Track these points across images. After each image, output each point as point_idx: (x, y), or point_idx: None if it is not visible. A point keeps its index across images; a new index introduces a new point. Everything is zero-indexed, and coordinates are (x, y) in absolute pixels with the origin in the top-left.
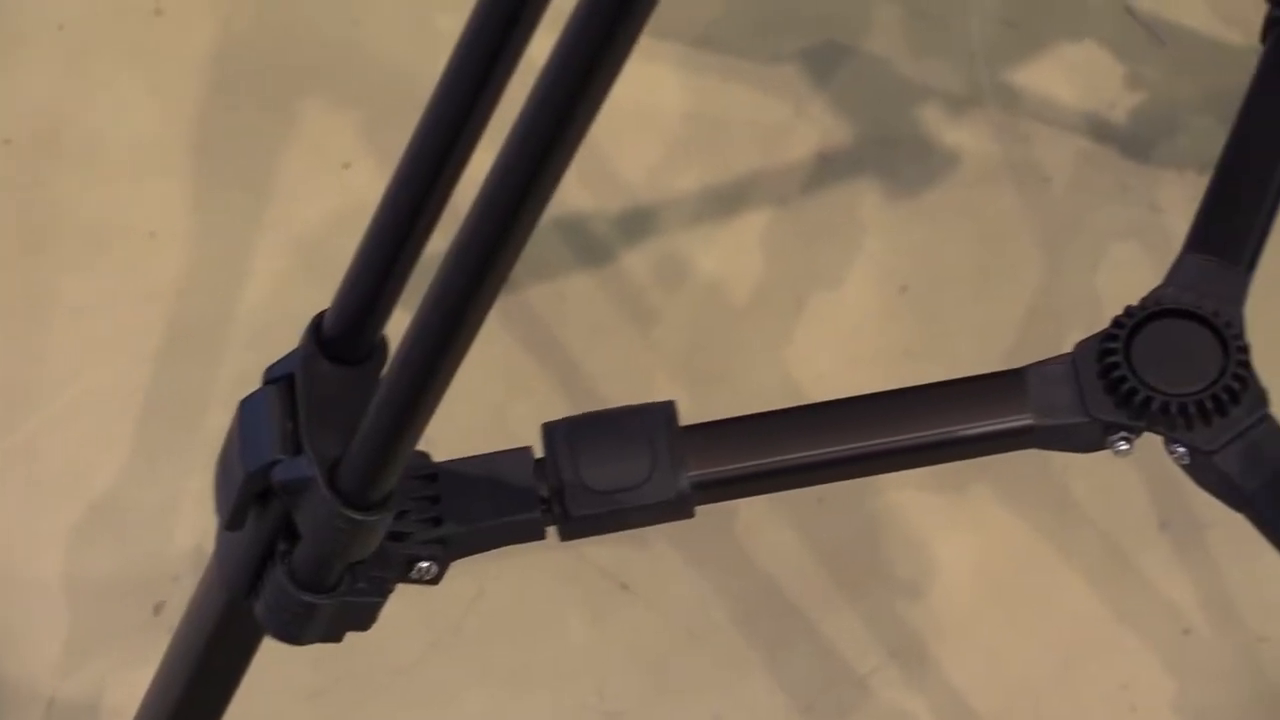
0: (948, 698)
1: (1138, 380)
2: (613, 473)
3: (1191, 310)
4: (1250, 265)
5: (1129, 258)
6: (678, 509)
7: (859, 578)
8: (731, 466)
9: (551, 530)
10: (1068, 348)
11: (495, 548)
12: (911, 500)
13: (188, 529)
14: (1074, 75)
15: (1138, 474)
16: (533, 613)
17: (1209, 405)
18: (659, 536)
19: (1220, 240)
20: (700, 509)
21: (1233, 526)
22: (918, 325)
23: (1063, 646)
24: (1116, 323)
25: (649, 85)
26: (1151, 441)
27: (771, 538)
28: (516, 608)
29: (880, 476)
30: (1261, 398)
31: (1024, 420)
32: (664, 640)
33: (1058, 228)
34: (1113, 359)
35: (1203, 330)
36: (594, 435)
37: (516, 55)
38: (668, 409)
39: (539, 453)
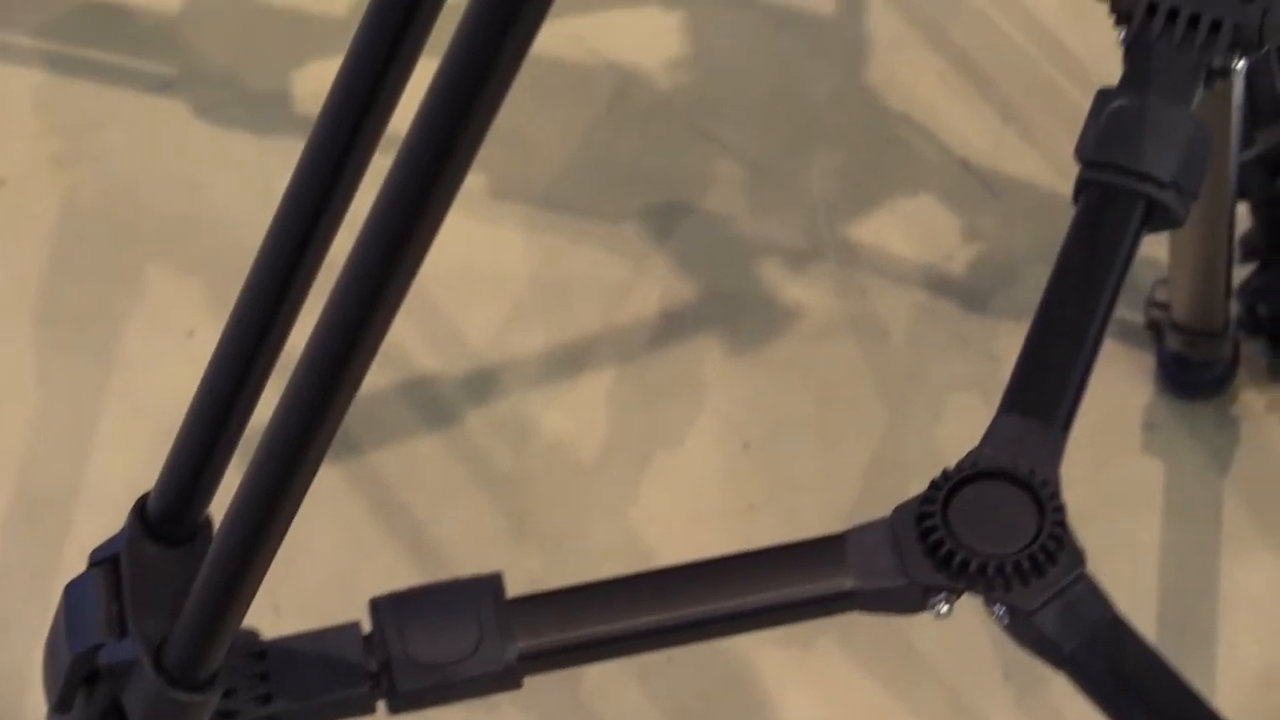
0: None
1: (955, 542)
2: (440, 646)
3: (1007, 472)
4: (1065, 425)
5: (969, 408)
6: (505, 681)
7: None
8: (557, 637)
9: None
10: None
11: None
12: (759, 655)
13: (37, 699)
14: (912, 228)
15: (980, 625)
16: None
17: (1026, 566)
18: (507, 701)
19: (1036, 400)
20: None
21: None
22: (762, 480)
23: None
24: (934, 485)
25: (494, 247)
26: None
27: (619, 697)
28: None
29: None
30: (1078, 557)
31: (845, 584)
32: None
33: (898, 380)
34: (930, 522)
35: (1019, 491)
36: (421, 609)
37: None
38: (494, 581)
39: (368, 627)
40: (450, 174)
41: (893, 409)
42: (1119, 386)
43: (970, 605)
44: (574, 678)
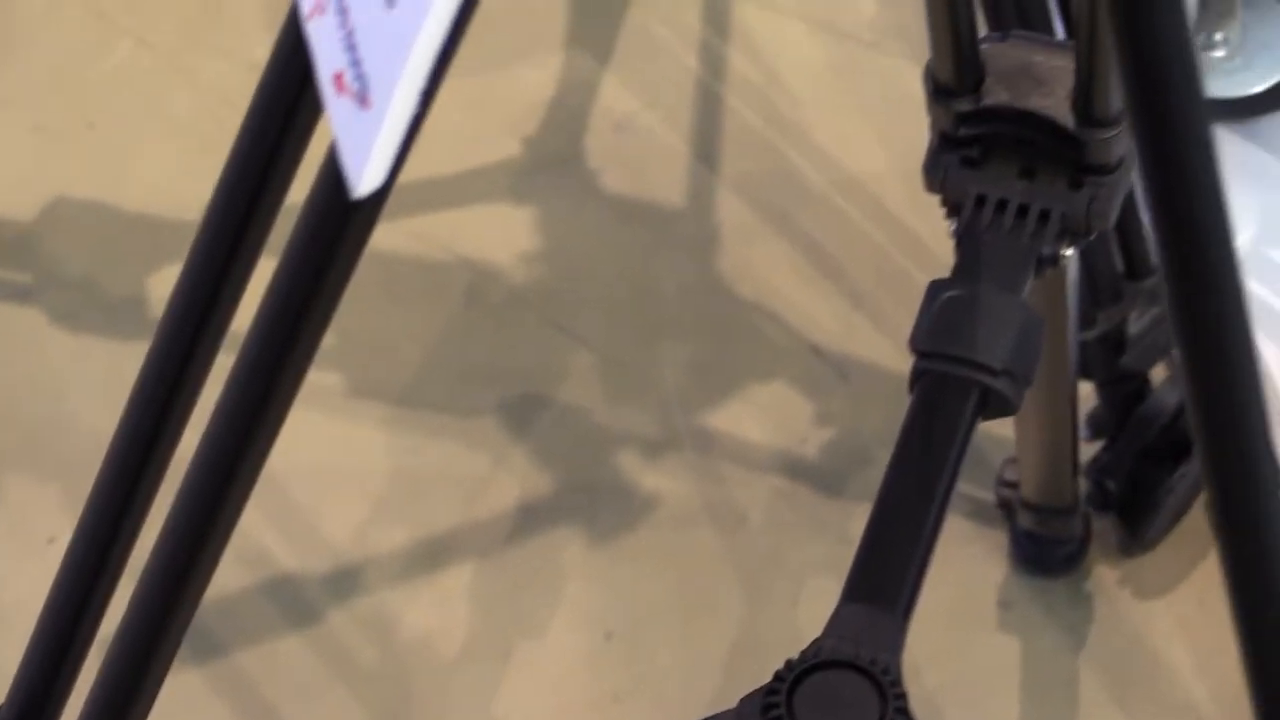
0: None
1: None
2: None
3: (850, 661)
4: (906, 612)
5: (827, 591)
6: None
7: None
8: None
9: None
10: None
11: None
12: None
13: None
14: (766, 415)
15: None
16: None
17: None
18: None
19: (877, 589)
20: None
21: None
22: (625, 669)
23: None
24: (778, 676)
25: (353, 446)
26: None
27: None
28: None
29: None
30: None
31: None
32: None
33: (757, 565)
34: (775, 713)
35: (862, 680)
36: None
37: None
38: None
39: None
40: (290, 369)
41: (752, 594)
42: (973, 565)
43: None
44: None
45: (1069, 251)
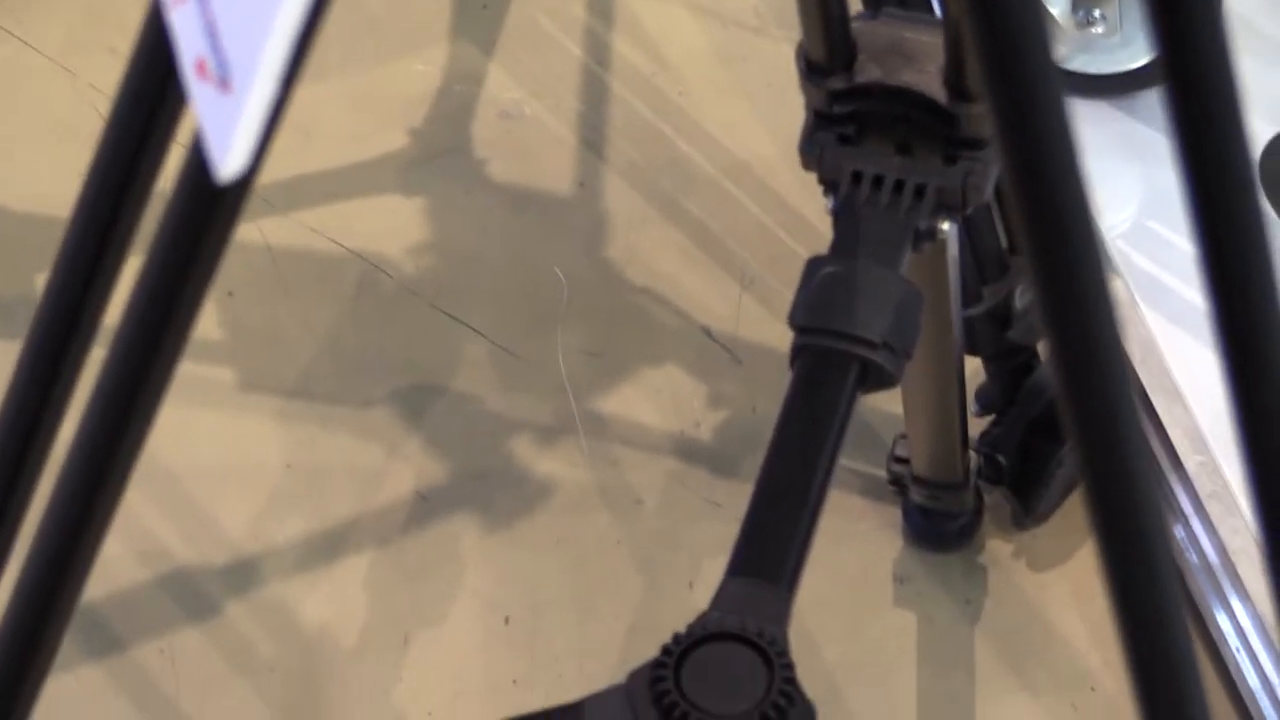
0: None
1: (688, 704)
2: None
3: (736, 633)
4: (791, 585)
5: (722, 571)
6: None
7: None
8: None
9: None
10: None
11: None
12: None
13: None
14: (659, 399)
15: None
16: None
17: None
18: None
19: (761, 563)
20: None
21: None
22: (523, 654)
23: None
24: (665, 650)
25: (247, 439)
26: None
27: None
28: None
29: None
30: (809, 713)
31: None
32: None
33: (652, 547)
34: (663, 685)
35: (748, 651)
36: None
37: (55, 422)
38: None
39: None
40: (163, 357)
41: (648, 576)
42: (868, 542)
43: None
44: None
45: (946, 226)
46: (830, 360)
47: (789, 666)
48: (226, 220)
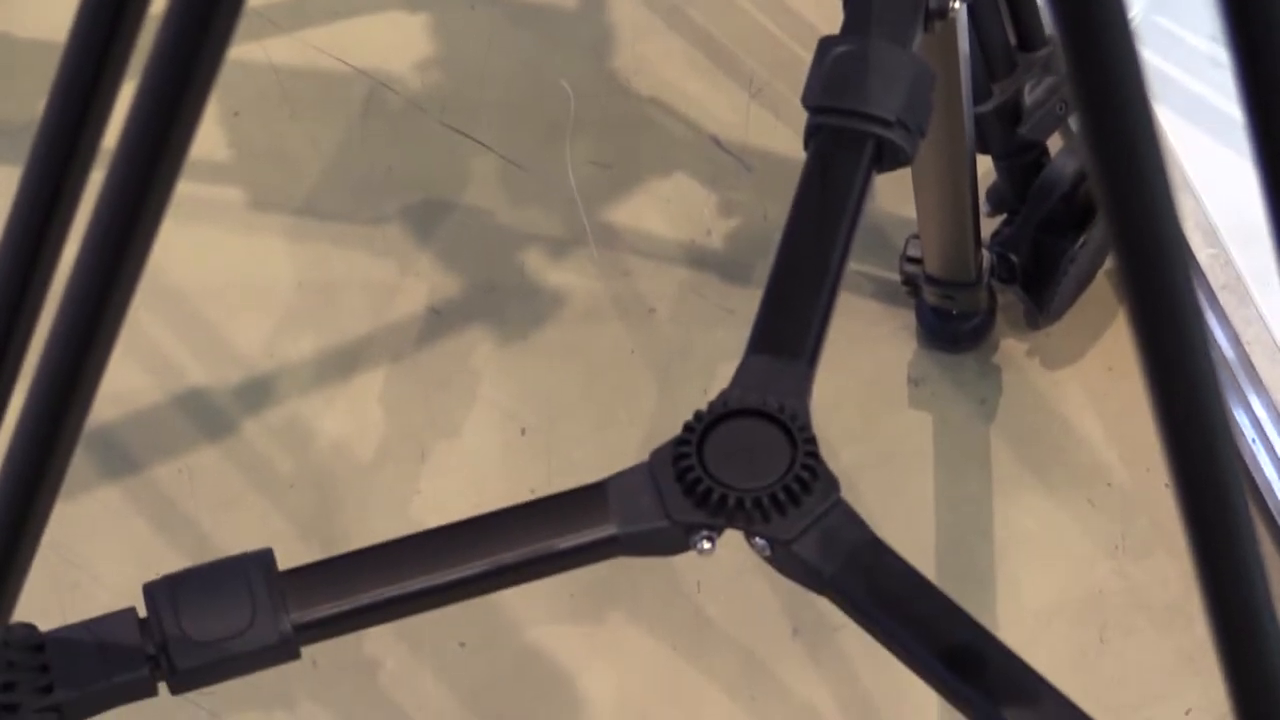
0: None
1: (712, 480)
2: (216, 624)
3: (758, 409)
4: (811, 360)
5: None
6: (282, 652)
7: (507, 717)
8: (331, 606)
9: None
10: None
11: (110, 708)
12: (551, 635)
13: None
14: (669, 208)
15: (766, 585)
16: None
17: (782, 497)
18: (306, 698)
19: (781, 339)
20: (346, 663)
21: (861, 628)
22: (541, 464)
23: None
24: (687, 427)
25: (258, 258)
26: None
27: (416, 686)
28: None
29: (518, 614)
30: (833, 485)
31: (608, 530)
32: None
33: (666, 355)
34: (686, 462)
35: (770, 426)
36: (195, 589)
37: (58, 244)
38: (265, 556)
39: (143, 612)
40: (162, 174)
41: (663, 383)
42: (883, 345)
43: (748, 563)
44: (369, 671)
45: (957, 4)
46: (845, 139)
47: (811, 440)
48: (222, 31)
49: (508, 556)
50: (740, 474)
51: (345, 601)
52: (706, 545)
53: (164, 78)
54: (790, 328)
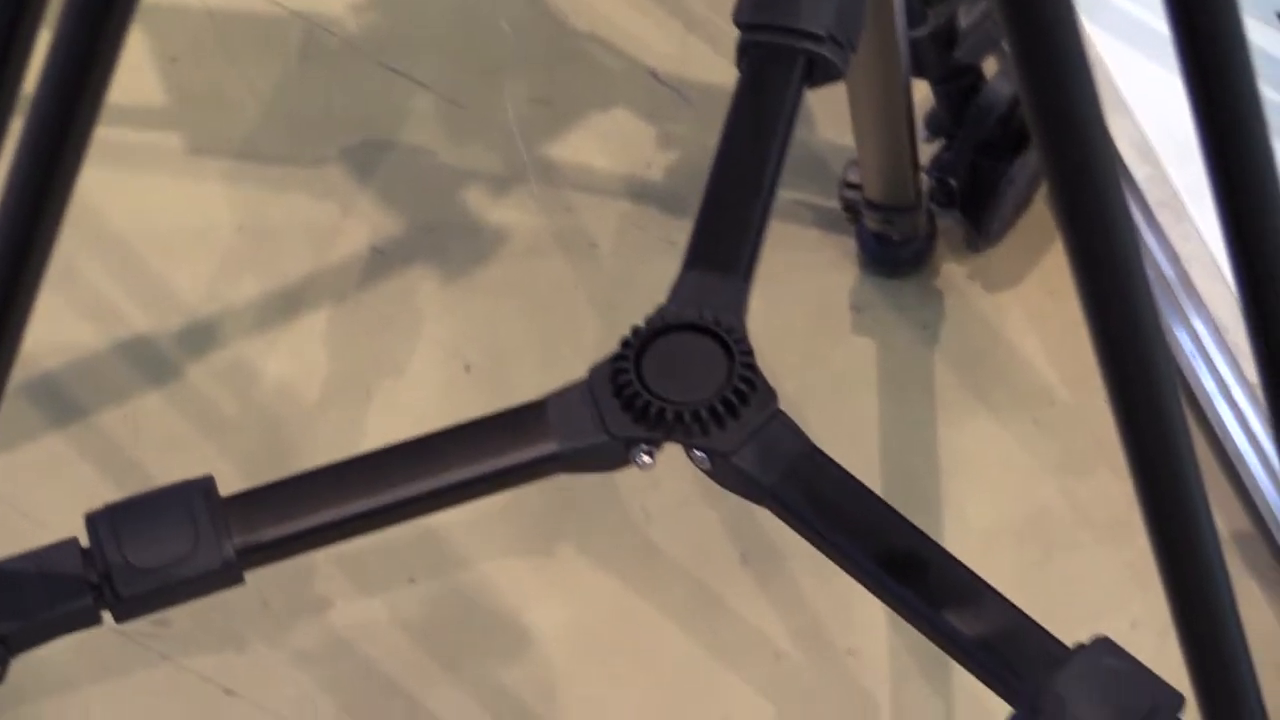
0: None
1: (650, 394)
2: (158, 551)
3: (694, 323)
4: (747, 275)
5: None
6: (225, 577)
7: (458, 652)
8: (273, 530)
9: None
10: None
11: (54, 638)
12: (500, 569)
13: None
14: (609, 142)
15: (714, 513)
16: None
17: (720, 409)
18: (257, 638)
19: (716, 255)
20: (296, 603)
21: (809, 551)
22: (486, 399)
23: (663, 690)
24: (625, 343)
25: (197, 203)
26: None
27: (367, 623)
28: None
29: (467, 549)
30: (771, 397)
31: (549, 448)
32: None
33: (609, 288)
34: (624, 378)
35: (707, 340)
36: (136, 517)
37: None
38: (206, 483)
39: (86, 542)
40: (80, 120)
41: (606, 317)
42: (824, 272)
43: (695, 493)
44: (319, 609)
45: None
46: (777, 56)
47: (748, 353)
48: None
49: (450, 476)
50: (678, 388)
51: (287, 525)
52: (646, 459)
53: (81, 21)
54: (725, 243)
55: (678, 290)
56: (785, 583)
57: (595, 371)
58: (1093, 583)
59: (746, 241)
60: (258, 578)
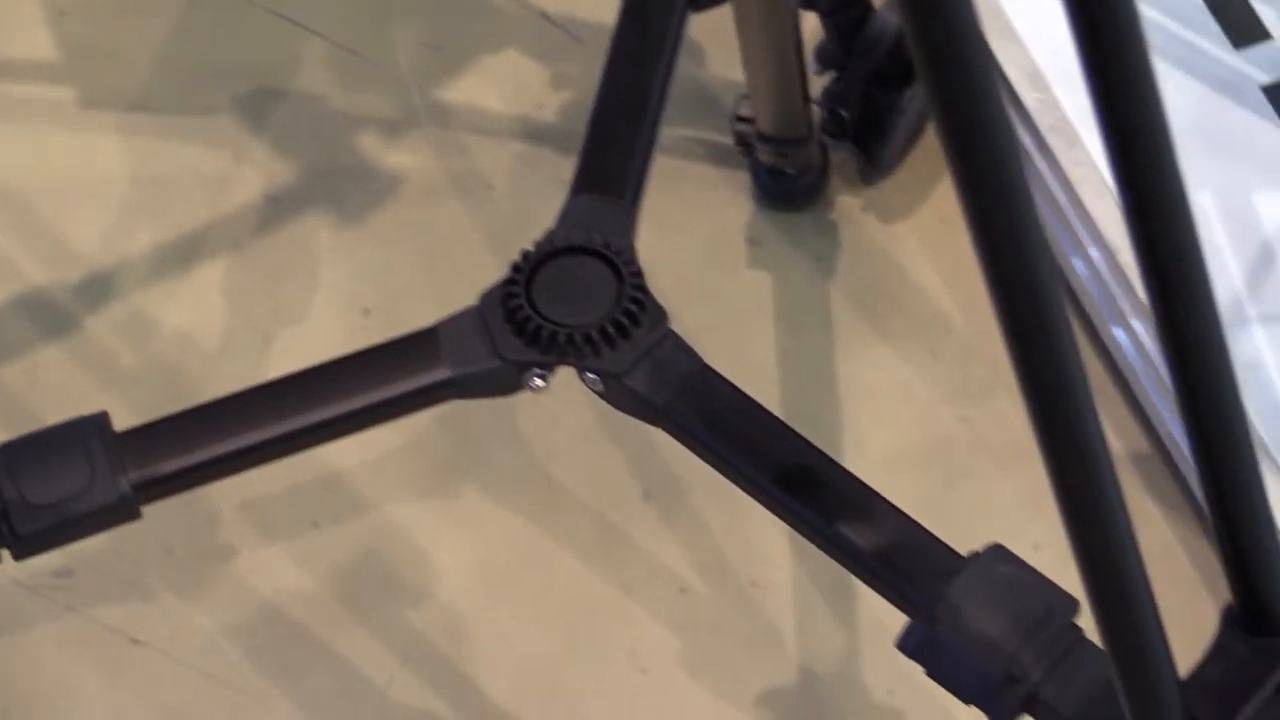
0: (466, 692)
1: (541, 318)
2: (54, 487)
3: (583, 246)
4: (634, 199)
5: None
6: (122, 512)
7: (365, 595)
8: (169, 462)
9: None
10: None
11: None
12: (404, 512)
13: None
14: (501, 84)
15: (616, 450)
16: (49, 685)
17: (610, 330)
18: (163, 587)
19: (603, 178)
20: (201, 550)
21: (711, 485)
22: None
23: (570, 625)
24: (515, 268)
25: (90, 155)
26: (620, 414)
27: (273, 569)
28: (32, 684)
29: (371, 493)
30: (662, 317)
31: (441, 374)
32: (183, 687)
33: (506, 229)
34: (515, 302)
35: (596, 262)
36: (31, 454)
37: None
38: (100, 418)
39: None
40: None
41: (504, 257)
42: (719, 208)
43: (597, 429)
44: (225, 556)
45: None
46: None
47: (637, 274)
48: None
49: (344, 405)
50: (568, 310)
51: (183, 458)
52: (539, 383)
53: None
54: (612, 168)
55: (566, 215)
56: (688, 517)
57: (486, 297)
58: (994, 508)
59: (633, 166)
60: (161, 527)
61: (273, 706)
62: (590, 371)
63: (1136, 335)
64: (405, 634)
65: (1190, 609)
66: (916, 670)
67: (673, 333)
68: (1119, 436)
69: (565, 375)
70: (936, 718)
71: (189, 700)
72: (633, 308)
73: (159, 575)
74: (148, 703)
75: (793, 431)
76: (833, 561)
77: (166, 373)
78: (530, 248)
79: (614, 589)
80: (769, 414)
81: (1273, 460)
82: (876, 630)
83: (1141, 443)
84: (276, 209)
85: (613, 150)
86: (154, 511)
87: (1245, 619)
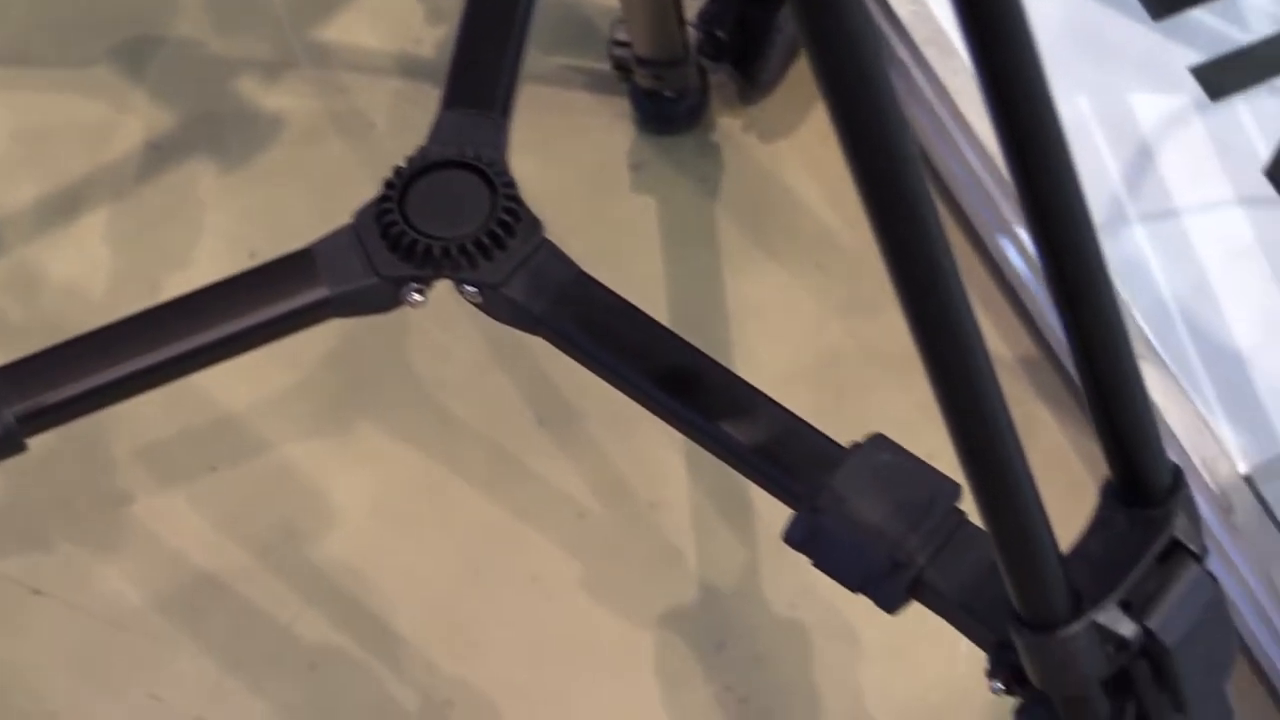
0: (370, 625)
1: (416, 232)
2: None
3: (455, 160)
4: (504, 111)
5: None
6: (6, 445)
7: (266, 536)
8: (50, 393)
9: None
10: None
11: None
12: (300, 451)
13: None
14: (377, 21)
15: (508, 379)
16: None
17: (486, 241)
18: (62, 538)
19: (473, 92)
20: (98, 499)
21: (605, 410)
22: None
23: (470, 555)
24: (388, 184)
25: None
26: (510, 343)
27: (172, 514)
28: None
29: (266, 434)
30: (536, 227)
31: (319, 293)
32: (88, 635)
33: (388, 165)
34: (390, 218)
35: (469, 175)
36: None
37: None
38: None
39: None
40: None
41: None
42: (601, 135)
43: (488, 360)
44: (123, 503)
45: None
46: None
47: (511, 185)
48: None
49: (223, 328)
50: (443, 224)
51: (64, 389)
52: (417, 297)
53: None
54: (481, 81)
55: (437, 130)
56: (583, 442)
57: (361, 214)
58: (887, 418)
59: (502, 79)
60: (58, 478)
61: (177, 650)
62: (468, 284)
63: (1019, 239)
64: (306, 571)
65: (1080, 507)
66: (818, 583)
67: (548, 241)
68: (1007, 343)
69: (448, 297)
70: (838, 629)
71: (93, 647)
72: (506, 218)
73: (58, 526)
74: (51, 651)
75: (672, 333)
76: (730, 479)
77: (54, 324)
78: (403, 163)
79: (513, 516)
80: (648, 317)
81: (1155, 353)
82: (776, 545)
83: (1030, 348)
84: (158, 156)
85: (481, 64)
86: (50, 462)
87: (1123, 491)
